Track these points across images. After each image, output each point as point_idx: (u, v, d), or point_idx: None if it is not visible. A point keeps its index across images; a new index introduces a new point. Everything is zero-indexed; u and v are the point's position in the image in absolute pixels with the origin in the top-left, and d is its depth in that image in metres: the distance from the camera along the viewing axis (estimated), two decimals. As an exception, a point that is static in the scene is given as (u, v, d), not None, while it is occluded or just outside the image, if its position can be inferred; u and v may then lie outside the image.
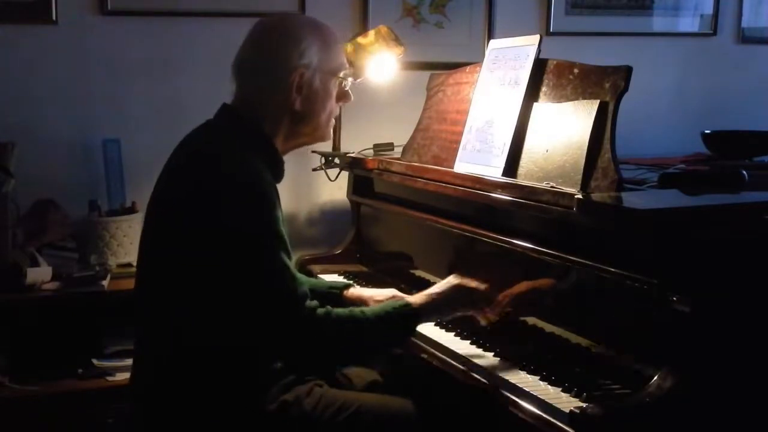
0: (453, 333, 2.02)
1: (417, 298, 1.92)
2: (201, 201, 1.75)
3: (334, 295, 2.13)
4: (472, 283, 1.93)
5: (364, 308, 1.88)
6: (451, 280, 1.96)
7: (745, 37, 3.66)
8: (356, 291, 2.18)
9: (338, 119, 2.86)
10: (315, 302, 1.79)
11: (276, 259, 1.74)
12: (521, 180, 1.99)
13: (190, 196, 1.77)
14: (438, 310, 1.92)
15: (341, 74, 1.97)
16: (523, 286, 1.96)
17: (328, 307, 1.80)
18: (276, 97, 1.89)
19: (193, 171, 1.81)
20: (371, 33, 2.77)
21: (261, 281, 1.73)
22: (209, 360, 1.78)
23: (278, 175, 1.93)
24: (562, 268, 1.81)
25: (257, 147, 1.86)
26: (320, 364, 1.93)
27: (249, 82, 1.91)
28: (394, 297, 2.08)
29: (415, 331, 1.92)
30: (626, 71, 1.85)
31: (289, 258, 1.78)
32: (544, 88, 2.07)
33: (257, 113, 1.89)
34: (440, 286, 1.95)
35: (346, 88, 2.00)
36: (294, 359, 1.85)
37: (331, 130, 2.02)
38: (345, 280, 2.38)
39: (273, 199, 1.79)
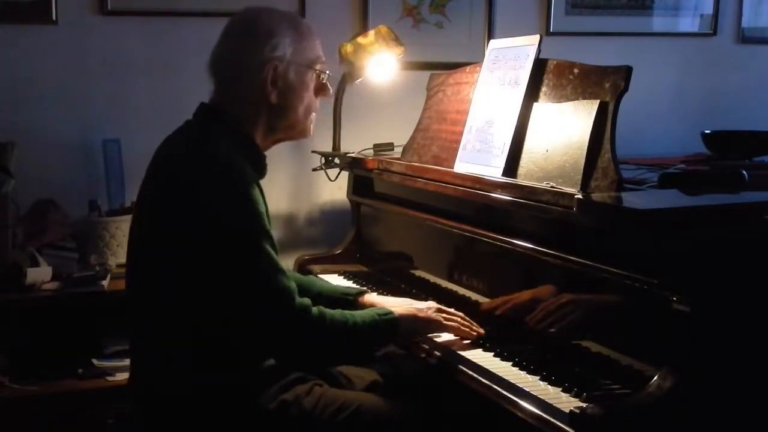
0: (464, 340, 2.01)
1: (403, 312, 1.95)
2: (183, 198, 1.75)
3: (347, 301, 2.11)
4: (450, 320, 1.98)
5: (353, 312, 1.89)
6: (433, 305, 2.03)
7: (745, 37, 3.66)
8: (370, 298, 2.15)
9: (338, 119, 2.87)
10: (308, 300, 1.80)
11: (261, 253, 1.74)
12: (521, 180, 1.99)
13: (172, 195, 1.78)
14: (415, 330, 1.97)
15: (317, 67, 1.96)
16: (519, 289, 1.97)
17: (321, 307, 1.81)
18: (251, 91, 1.88)
19: (173, 170, 1.82)
20: (371, 33, 2.77)
21: (248, 275, 1.74)
22: (206, 358, 1.78)
23: (261, 170, 1.93)
24: (562, 268, 1.81)
25: (236, 142, 1.86)
26: (308, 362, 1.93)
27: (224, 79, 1.91)
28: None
29: (395, 340, 1.96)
30: (626, 71, 1.85)
31: (275, 252, 1.78)
32: (544, 88, 2.07)
33: (234, 109, 1.89)
34: (426, 306, 2.02)
35: (324, 81, 2.00)
36: (284, 355, 1.85)
37: (312, 126, 2.01)
38: (358, 286, 2.35)
39: (255, 193, 1.79)
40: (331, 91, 2.04)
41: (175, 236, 1.75)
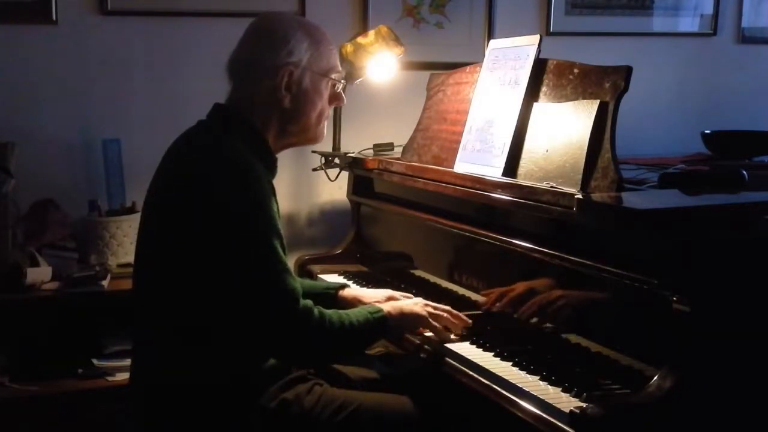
0: (453, 333, 2.02)
1: (390, 308, 1.96)
2: (197, 197, 1.76)
3: (329, 296, 2.13)
4: (438, 313, 1.99)
5: (348, 312, 1.90)
6: (420, 301, 2.04)
7: (745, 37, 3.66)
8: (352, 291, 2.19)
9: (338, 119, 2.87)
10: (310, 301, 1.81)
11: (271, 253, 1.75)
12: (521, 180, 1.99)
13: (186, 193, 1.78)
14: (403, 326, 1.99)
15: (333, 76, 1.97)
16: (519, 288, 1.97)
17: (321, 308, 1.82)
18: (265, 94, 1.89)
19: (185, 165, 1.82)
20: (371, 33, 2.78)
21: (256, 274, 1.74)
22: (208, 358, 1.78)
23: (272, 170, 1.94)
24: (562, 268, 1.81)
25: (250, 143, 1.87)
26: (307, 362, 1.94)
27: (240, 81, 1.92)
28: (390, 297, 2.09)
29: (384, 337, 1.99)
30: (626, 71, 1.85)
31: (284, 253, 1.79)
32: (544, 88, 2.07)
33: (248, 111, 1.90)
34: (413, 302, 2.03)
35: (339, 90, 2.01)
36: (286, 354, 1.86)
37: (323, 132, 2.02)
38: (341, 281, 2.37)
39: (268, 193, 1.81)
40: (345, 100, 2.05)
41: (187, 234, 1.75)
